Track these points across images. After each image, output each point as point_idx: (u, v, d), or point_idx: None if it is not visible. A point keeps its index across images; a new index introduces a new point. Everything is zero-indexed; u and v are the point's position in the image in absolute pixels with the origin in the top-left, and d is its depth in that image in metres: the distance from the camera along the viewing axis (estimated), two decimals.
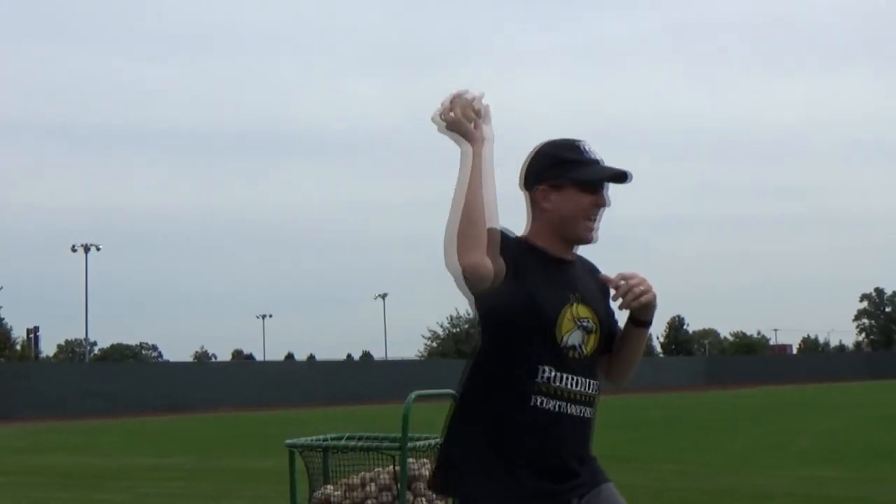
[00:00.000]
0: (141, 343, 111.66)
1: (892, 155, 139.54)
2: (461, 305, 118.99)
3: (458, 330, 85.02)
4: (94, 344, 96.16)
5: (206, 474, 13.51)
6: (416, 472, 5.18)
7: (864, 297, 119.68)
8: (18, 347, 69.45)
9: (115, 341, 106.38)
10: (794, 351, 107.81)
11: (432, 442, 5.26)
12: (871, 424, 20.62)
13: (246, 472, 13.47)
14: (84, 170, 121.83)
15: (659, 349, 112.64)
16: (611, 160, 2.91)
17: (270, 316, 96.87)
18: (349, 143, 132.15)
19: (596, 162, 2.82)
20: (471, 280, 2.57)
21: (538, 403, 2.71)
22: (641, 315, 2.83)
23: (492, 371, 2.75)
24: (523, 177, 2.86)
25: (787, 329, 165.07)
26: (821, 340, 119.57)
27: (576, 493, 2.77)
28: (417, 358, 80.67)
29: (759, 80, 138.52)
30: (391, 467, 5.14)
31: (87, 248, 58.96)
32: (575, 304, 2.78)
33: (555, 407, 2.73)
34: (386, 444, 5.22)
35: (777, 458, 13.71)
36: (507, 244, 2.67)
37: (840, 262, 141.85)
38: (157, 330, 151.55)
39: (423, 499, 5.15)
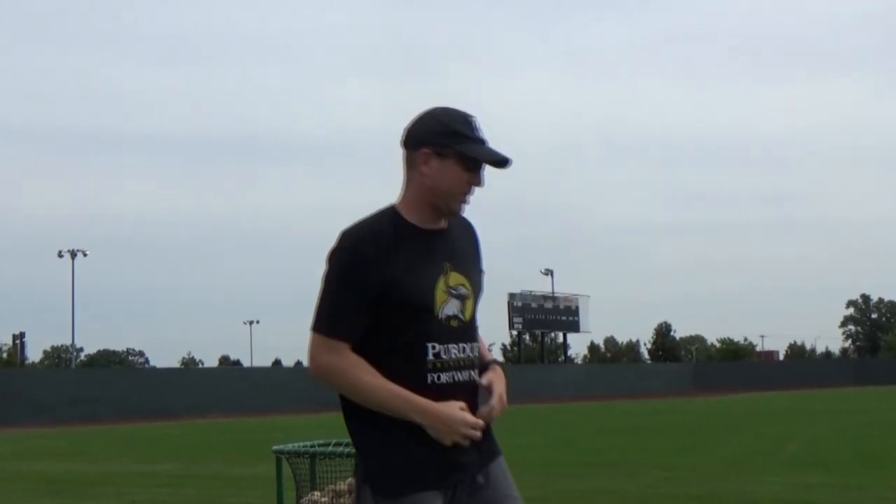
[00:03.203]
0: (128, 349, 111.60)
1: (877, 161, 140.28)
2: None
3: None
4: (81, 350, 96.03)
5: (193, 481, 13.45)
6: None
7: (850, 303, 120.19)
8: (4, 354, 69.19)
9: (102, 347, 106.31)
10: (781, 357, 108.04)
11: None
12: (859, 431, 20.67)
13: (233, 479, 13.43)
14: (71, 175, 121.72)
15: (646, 355, 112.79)
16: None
17: (258, 322, 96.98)
18: (336, 147, 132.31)
19: (483, 142, 2.84)
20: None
21: (435, 380, 2.76)
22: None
23: (388, 357, 2.76)
24: (406, 134, 2.85)
25: (773, 335, 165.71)
26: (807, 347, 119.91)
27: (478, 465, 2.82)
28: None
29: (746, 87, 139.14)
30: None
31: (73, 254, 58.78)
32: (448, 273, 2.83)
33: (450, 378, 2.78)
34: None
35: (765, 464, 13.72)
36: (366, 263, 2.74)
37: (826, 268, 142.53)
38: (144, 336, 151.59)
39: None
